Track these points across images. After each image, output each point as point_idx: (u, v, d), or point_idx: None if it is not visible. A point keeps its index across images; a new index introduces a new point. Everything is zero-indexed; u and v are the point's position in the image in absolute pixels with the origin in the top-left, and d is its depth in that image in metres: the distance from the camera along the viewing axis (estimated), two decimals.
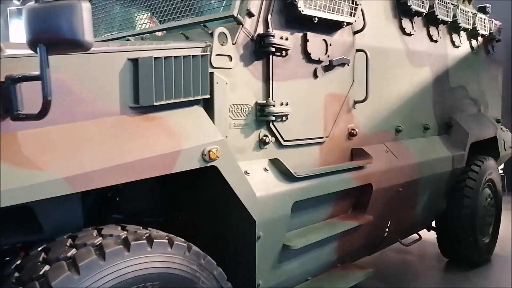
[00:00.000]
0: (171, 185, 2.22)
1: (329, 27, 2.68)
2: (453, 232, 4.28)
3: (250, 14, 2.23)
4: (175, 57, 1.88)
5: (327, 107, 2.74)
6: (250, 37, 2.25)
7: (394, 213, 3.34)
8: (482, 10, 5.31)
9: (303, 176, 2.36)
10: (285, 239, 2.34)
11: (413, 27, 3.63)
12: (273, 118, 2.32)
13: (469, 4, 5.04)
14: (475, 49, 4.73)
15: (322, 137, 2.73)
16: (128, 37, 2.58)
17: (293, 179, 2.33)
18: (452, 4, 4.27)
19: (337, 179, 2.63)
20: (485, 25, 4.81)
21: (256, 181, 2.16)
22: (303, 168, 2.56)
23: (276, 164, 2.32)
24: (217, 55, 2.06)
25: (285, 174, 2.31)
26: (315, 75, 2.63)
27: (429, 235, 4.54)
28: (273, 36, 2.27)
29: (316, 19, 2.48)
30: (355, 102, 2.99)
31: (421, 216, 3.80)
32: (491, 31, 4.99)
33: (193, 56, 1.94)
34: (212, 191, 2.10)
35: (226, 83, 2.09)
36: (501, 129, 5.41)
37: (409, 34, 3.59)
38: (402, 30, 3.52)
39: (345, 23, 2.70)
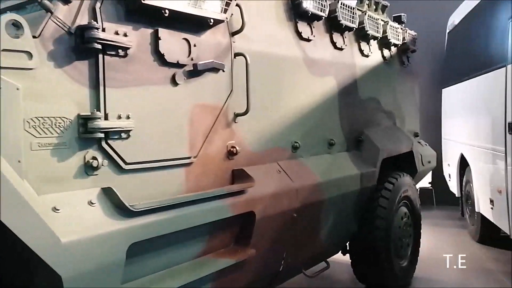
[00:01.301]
0: None
1: (193, 24, 2.22)
2: (366, 256, 3.92)
3: (65, 0, 1.71)
4: None
5: (194, 120, 2.26)
6: (66, 29, 1.72)
7: (291, 242, 2.90)
8: (398, 19, 5.12)
9: (143, 209, 1.83)
10: None
11: (312, 32, 3.26)
12: (102, 135, 1.79)
13: (383, 13, 4.82)
14: (387, 59, 4.48)
15: (188, 157, 2.23)
16: None
17: (129, 214, 1.80)
18: (360, 10, 3.99)
19: (202, 209, 2.13)
20: (397, 35, 4.58)
21: (72, 220, 1.62)
22: (160, 197, 2.04)
23: (108, 195, 1.79)
24: (4, 50, 1.52)
25: (120, 208, 1.78)
26: (173, 82, 2.14)
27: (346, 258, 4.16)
28: (100, 29, 1.77)
29: (167, 12, 2.00)
30: (236, 115, 2.54)
31: (328, 242, 3.39)
32: (405, 41, 4.78)
33: None
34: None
35: (18, 89, 1.54)
36: (419, 143, 5.21)
37: (307, 40, 3.21)
38: (299, 34, 3.13)
39: (211, 20, 2.25)
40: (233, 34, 2.52)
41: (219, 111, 2.41)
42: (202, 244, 2.30)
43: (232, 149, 2.49)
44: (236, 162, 2.55)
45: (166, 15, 2.01)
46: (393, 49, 4.65)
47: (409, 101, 5.06)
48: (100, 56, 1.81)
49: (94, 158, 1.78)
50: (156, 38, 2.04)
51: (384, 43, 4.39)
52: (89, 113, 1.75)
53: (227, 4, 2.34)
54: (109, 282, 1.73)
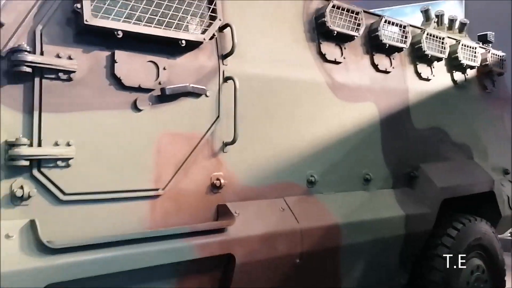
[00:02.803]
0: None
1: (162, 46, 2.06)
2: None
3: None
4: None
5: (162, 149, 2.07)
6: None
7: None
8: (483, 38, 4.44)
9: (62, 247, 1.66)
10: None
11: (342, 53, 2.89)
12: (26, 163, 1.69)
13: (461, 31, 4.21)
14: (460, 83, 3.84)
15: (154, 189, 2.04)
16: None
17: (48, 251, 1.65)
18: (418, 28, 3.50)
19: (152, 250, 1.90)
20: (474, 55, 3.92)
21: None
22: (116, 233, 1.88)
23: (31, 228, 1.67)
24: None
25: (40, 244, 1.64)
26: (135, 107, 1.99)
27: None
28: (32, 52, 1.69)
29: (120, 33, 1.87)
30: (225, 144, 2.29)
31: None
32: (486, 63, 4.08)
33: None
34: None
35: None
36: (510, 182, 4.34)
37: (335, 62, 2.85)
38: (322, 56, 2.80)
39: (182, 42, 2.07)
40: (224, 56, 2.31)
41: (198, 140, 2.19)
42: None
43: (216, 181, 2.24)
44: (224, 197, 2.29)
45: (120, 36, 1.88)
46: (470, 71, 3.98)
47: (496, 131, 4.26)
48: (37, 80, 1.74)
49: (21, 187, 1.68)
50: (112, 61, 1.92)
51: (454, 65, 3.78)
52: (14, 139, 1.67)
53: (209, 25, 2.15)
54: None
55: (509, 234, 6.98)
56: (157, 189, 2.05)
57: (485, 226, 3.64)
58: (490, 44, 4.39)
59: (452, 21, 4.22)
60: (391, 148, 3.17)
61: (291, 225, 2.42)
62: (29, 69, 1.69)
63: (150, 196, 2.03)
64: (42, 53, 1.75)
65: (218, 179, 2.24)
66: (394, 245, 2.99)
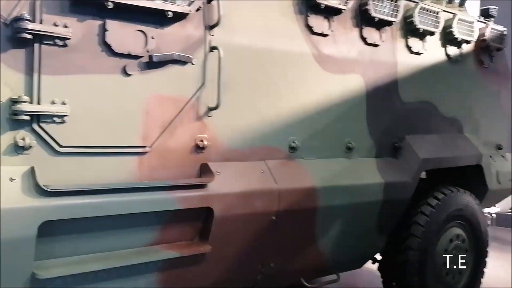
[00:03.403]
0: None
1: (150, 16, 2.26)
2: (395, 277, 3.52)
3: None
4: None
5: (150, 111, 2.30)
6: (3, 20, 1.92)
7: (273, 246, 2.75)
8: (485, 13, 4.46)
9: (56, 190, 1.94)
10: (33, 267, 1.94)
11: (329, 26, 3.03)
12: (27, 117, 1.94)
13: (461, 6, 4.24)
14: (453, 58, 3.92)
15: (142, 147, 2.29)
16: None
17: (44, 193, 1.92)
18: (413, 1, 3.57)
19: (137, 199, 2.16)
20: (471, 30, 3.98)
21: None
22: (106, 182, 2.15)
23: (30, 174, 1.94)
24: None
25: (38, 187, 1.92)
26: (125, 72, 2.21)
27: None
28: (32, 20, 1.92)
29: (110, 4, 2.08)
30: (209, 109, 2.51)
31: (334, 253, 3.12)
32: (484, 38, 4.13)
33: None
34: None
35: None
36: (503, 157, 4.45)
37: (322, 34, 3.00)
38: (309, 28, 2.95)
39: (169, 13, 2.26)
40: (211, 27, 2.50)
41: (184, 103, 2.41)
42: (152, 234, 2.33)
43: (199, 142, 2.47)
44: (208, 157, 2.52)
45: (110, 7, 2.09)
46: (466, 46, 4.05)
47: (491, 107, 4.34)
48: (36, 45, 1.97)
49: (23, 138, 1.95)
50: (104, 30, 2.13)
51: (449, 39, 3.86)
52: (16, 97, 1.93)
53: None
54: (19, 256, 1.88)
55: (510, 210, 7.10)
56: (144, 146, 2.29)
57: (468, 198, 3.80)
58: (492, 19, 4.40)
59: None
60: (376, 119, 3.33)
61: (269, 185, 2.64)
62: (29, 36, 1.92)
63: (138, 153, 2.28)
64: (41, 22, 1.97)
65: (201, 141, 2.47)
66: (372, 210, 3.19)
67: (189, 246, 2.40)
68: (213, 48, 2.48)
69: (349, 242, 3.20)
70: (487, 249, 3.99)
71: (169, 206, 2.26)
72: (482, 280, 3.98)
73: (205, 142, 2.48)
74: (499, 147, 4.43)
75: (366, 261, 3.58)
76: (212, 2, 2.49)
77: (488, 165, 4.04)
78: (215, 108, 2.48)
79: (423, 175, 4.38)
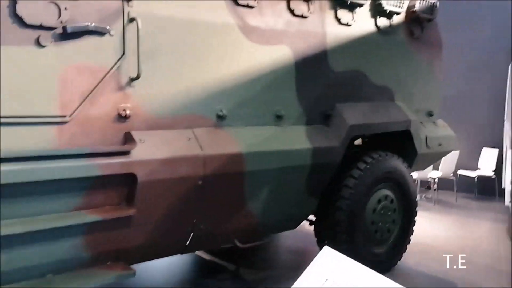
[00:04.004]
0: None
1: None
2: (327, 236, 3.75)
3: None
4: None
5: (68, 80, 2.37)
6: None
7: (202, 210, 2.90)
8: None
9: None
10: None
11: None
12: None
13: None
14: (383, 29, 4.09)
15: (61, 116, 2.36)
16: None
17: None
18: None
19: (55, 166, 2.25)
20: (400, 1, 4.14)
21: None
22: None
23: None
24: None
25: None
26: (38, 43, 2.26)
27: None
28: None
29: None
30: (131, 79, 2.59)
31: (266, 216, 3.30)
32: (414, 9, 4.30)
33: None
34: None
35: None
36: (434, 123, 4.71)
37: (248, 6, 3.10)
38: (234, 1, 3.04)
39: None
40: None
41: (104, 73, 2.49)
42: (77, 200, 2.43)
43: (122, 112, 2.56)
44: (132, 126, 2.62)
45: None
46: (396, 17, 4.22)
47: (423, 76, 4.56)
48: None
49: None
50: (14, 1, 2.17)
51: (379, 11, 4.02)
52: None
53: None
54: None
55: (452, 174, 7.50)
56: (64, 116, 2.37)
57: (397, 161, 4.04)
58: None
59: None
60: (306, 88, 3.48)
61: (195, 151, 2.77)
62: None
63: (58, 122, 2.35)
64: None
65: (124, 110, 2.56)
66: (301, 174, 3.37)
67: (114, 210, 2.52)
68: (132, 20, 2.55)
69: (280, 205, 3.38)
70: (415, 209, 4.27)
71: (89, 173, 2.36)
72: (412, 237, 4.28)
73: (128, 112, 2.57)
74: (430, 114, 4.68)
75: (300, 222, 3.79)
76: None
77: (417, 130, 4.27)
78: (137, 78, 2.57)
79: (359, 142, 4.63)
